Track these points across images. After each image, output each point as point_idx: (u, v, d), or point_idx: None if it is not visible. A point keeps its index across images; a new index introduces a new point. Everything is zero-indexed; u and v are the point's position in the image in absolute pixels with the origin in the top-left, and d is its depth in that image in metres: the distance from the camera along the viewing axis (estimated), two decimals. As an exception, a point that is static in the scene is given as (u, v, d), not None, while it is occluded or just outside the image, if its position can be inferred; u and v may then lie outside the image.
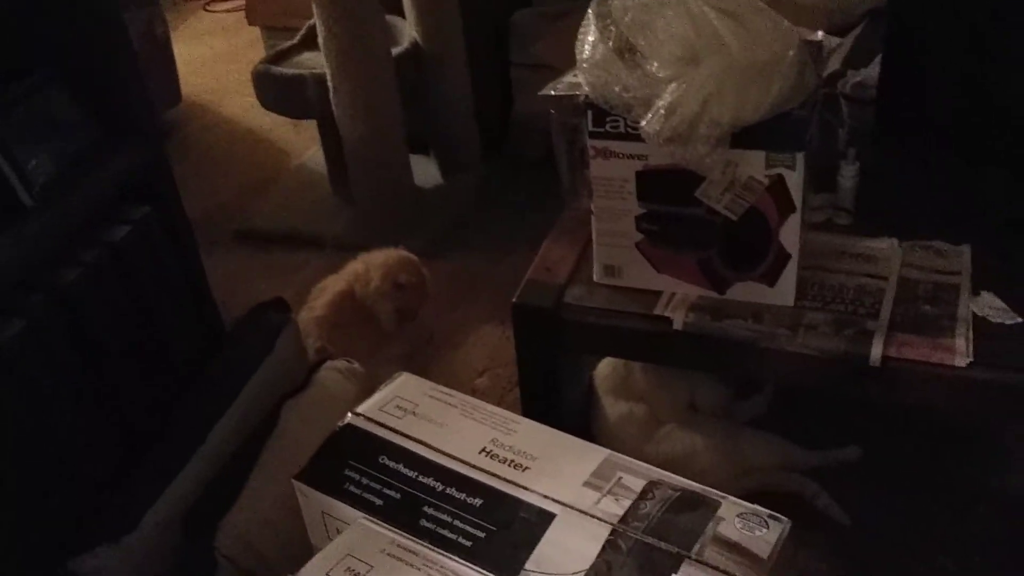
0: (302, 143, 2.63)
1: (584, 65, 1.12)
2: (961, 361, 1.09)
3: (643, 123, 1.07)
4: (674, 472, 1.37)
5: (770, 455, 1.43)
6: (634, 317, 1.22)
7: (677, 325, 1.20)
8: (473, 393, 1.71)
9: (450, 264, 2.05)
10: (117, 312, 1.05)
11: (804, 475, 1.41)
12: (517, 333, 1.30)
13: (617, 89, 1.10)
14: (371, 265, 1.73)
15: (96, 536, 0.89)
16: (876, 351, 1.11)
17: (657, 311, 1.22)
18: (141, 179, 1.10)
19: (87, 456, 0.99)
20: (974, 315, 1.15)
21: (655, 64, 1.08)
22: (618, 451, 1.43)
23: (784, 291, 1.19)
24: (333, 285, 1.74)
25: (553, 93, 1.27)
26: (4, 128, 0.93)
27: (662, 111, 1.06)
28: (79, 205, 0.99)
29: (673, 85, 1.06)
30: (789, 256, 1.17)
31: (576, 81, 1.20)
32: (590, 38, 1.13)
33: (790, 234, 1.15)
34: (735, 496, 1.33)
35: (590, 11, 1.14)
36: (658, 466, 1.39)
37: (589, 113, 1.15)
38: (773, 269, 1.18)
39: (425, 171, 2.36)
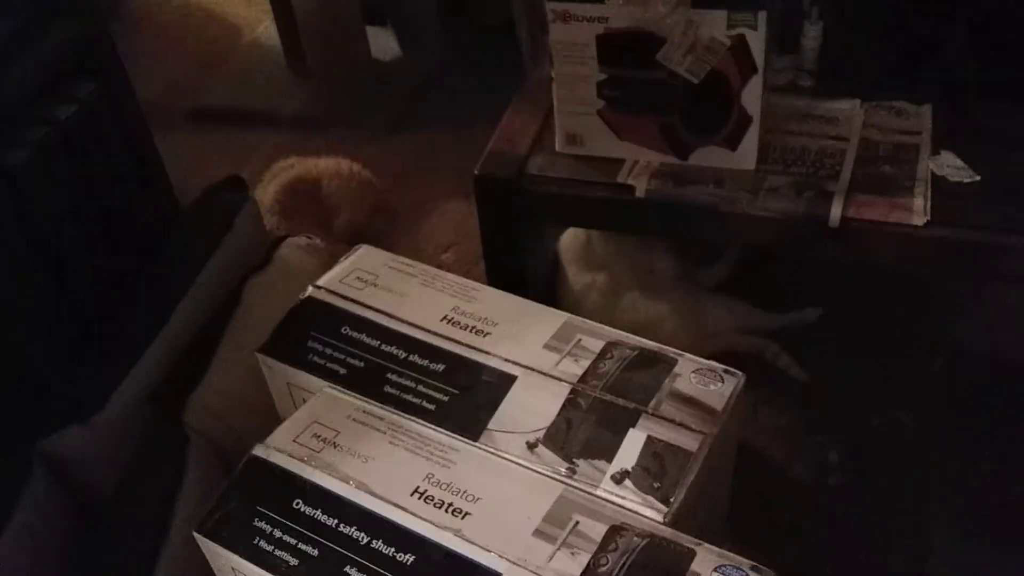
0: (254, 16, 2.53)
1: (541, -77, 1.08)
2: (919, 220, 1.10)
3: (602, -17, 1.04)
4: (641, 338, 1.42)
5: (732, 319, 1.46)
6: (596, 186, 1.22)
7: (640, 193, 1.20)
8: (439, 268, 1.72)
9: (412, 138, 2.02)
10: (66, 193, 1.02)
11: (765, 337, 1.44)
12: (480, 206, 1.29)
13: (575, -52, 1.07)
14: (355, 169, 1.67)
15: (63, 417, 0.90)
16: (835, 212, 1.12)
17: (620, 179, 1.21)
18: (83, 55, 1.06)
19: (40, 339, 0.99)
20: (933, 174, 1.16)
21: (614, -80, 1.04)
22: (585, 319, 1.47)
23: (746, 155, 1.19)
24: (296, 168, 1.70)
25: (510, -46, 1.23)
26: (-69, 5, 0.89)
27: (621, -31, 1.03)
28: (19, 84, 0.95)
29: (632, -58, 1.03)
30: (751, 119, 1.16)
31: (533, -59, 1.16)
32: None
33: (752, 97, 1.14)
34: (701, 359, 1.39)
35: None
36: (624, 333, 1.44)
37: (548, -26, 1.11)
38: (735, 133, 1.18)
39: (383, 43, 2.29)
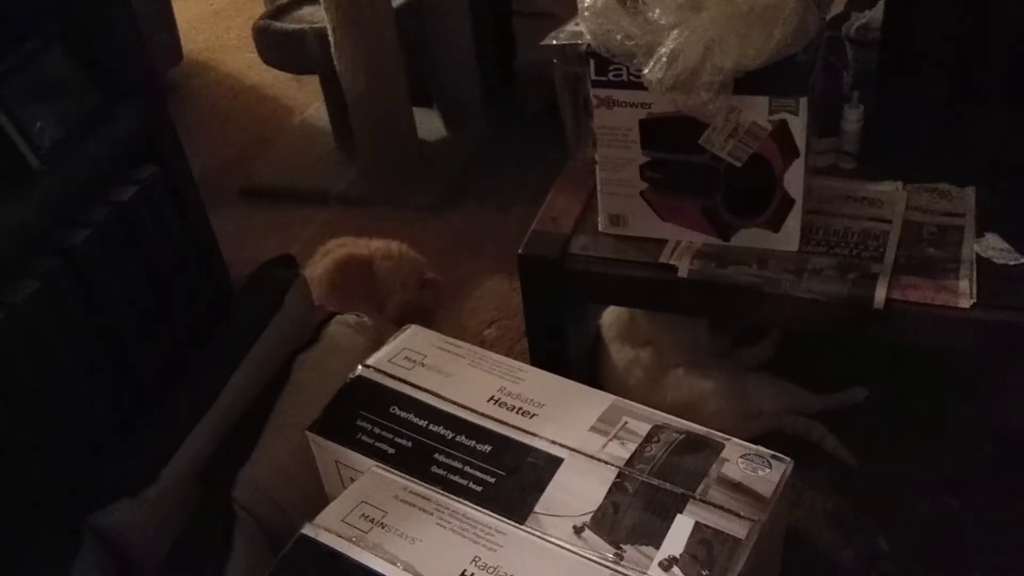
0: (305, 98, 2.61)
1: (586, 13, 1.12)
2: (964, 302, 1.10)
3: (645, 71, 1.07)
4: (683, 418, 1.41)
5: (777, 399, 1.44)
6: (639, 266, 1.23)
7: (682, 273, 1.21)
8: (482, 344, 1.73)
9: (456, 217, 2.06)
10: (125, 272, 1.06)
11: (811, 417, 1.42)
12: (523, 284, 1.31)
13: (619, 37, 1.10)
14: (403, 250, 1.70)
15: (114, 491, 0.91)
16: (880, 294, 1.12)
17: (662, 259, 1.22)
18: (146, 139, 1.11)
19: (97, 414, 1.01)
20: (978, 256, 1.16)
21: (657, 11, 1.07)
22: (628, 396, 1.46)
23: (789, 236, 1.20)
24: (348, 247, 1.72)
25: (555, 43, 1.27)
26: (8, 91, 0.94)
27: (664, 58, 1.06)
28: (85, 166, 0.99)
29: (675, 32, 1.05)
30: (793, 201, 1.17)
31: (578, 30, 1.20)
32: (591, -14, 1.12)
33: (794, 179, 1.16)
34: (744, 440, 1.37)
35: (592, -41, 1.13)
36: (666, 412, 1.43)
37: (591, 62, 1.14)
38: (777, 215, 1.19)
39: (429, 124, 2.35)
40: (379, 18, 1.99)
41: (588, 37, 1.13)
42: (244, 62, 2.84)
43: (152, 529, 0.91)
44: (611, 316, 1.54)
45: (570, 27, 1.25)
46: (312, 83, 2.47)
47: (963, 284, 1.12)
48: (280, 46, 2.15)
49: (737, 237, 1.22)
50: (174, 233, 1.13)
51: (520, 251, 1.28)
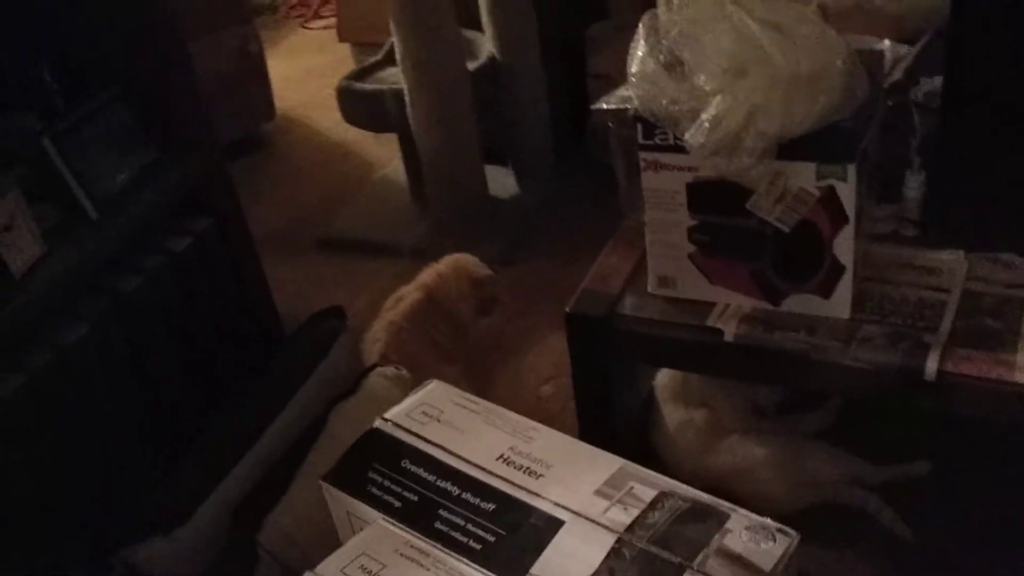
0: (385, 156, 2.70)
1: (633, 79, 1.13)
2: (1021, 376, 1.06)
3: (688, 136, 1.07)
4: (734, 483, 1.38)
5: (834, 469, 1.40)
6: (685, 328, 1.22)
7: (728, 337, 1.19)
8: (537, 400, 1.73)
9: (521, 271, 2.08)
10: (173, 318, 1.11)
11: (869, 490, 1.38)
12: (571, 342, 1.32)
13: (664, 102, 1.11)
14: (442, 272, 1.76)
15: (149, 528, 0.95)
16: (931, 365, 1.09)
17: (709, 322, 1.21)
18: (202, 193, 1.17)
19: (135, 453, 1.06)
20: (1039, 329, 1.11)
21: (702, 77, 1.08)
22: (677, 459, 1.45)
23: (839, 303, 1.18)
24: (409, 296, 1.78)
25: (605, 107, 1.29)
26: (70, 144, 1.01)
27: (706, 123, 1.06)
28: (141, 217, 1.05)
29: (718, 97, 1.06)
30: (843, 268, 1.15)
31: (627, 94, 1.21)
32: (639, 52, 1.14)
33: (844, 246, 1.14)
34: (795, 509, 1.33)
35: (641, 25, 1.15)
36: (718, 476, 1.40)
37: (639, 126, 1.16)
38: (828, 281, 1.17)
39: (502, 181, 2.40)
40: (454, 80, 2.05)
41: (636, 102, 1.14)
42: (332, 120, 2.95)
43: (181, 566, 0.94)
44: (666, 377, 1.52)
45: (621, 91, 1.27)
46: (392, 141, 2.55)
47: (1021, 357, 1.08)
48: (360, 105, 2.24)
49: (787, 302, 1.20)
50: (225, 283, 1.19)
51: (568, 309, 1.29)
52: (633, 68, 1.13)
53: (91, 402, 0.99)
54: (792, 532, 0.69)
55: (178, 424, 1.10)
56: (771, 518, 0.70)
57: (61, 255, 0.97)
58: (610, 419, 1.35)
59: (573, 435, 0.80)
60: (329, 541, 0.90)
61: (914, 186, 1.31)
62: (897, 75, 1.44)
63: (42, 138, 1.08)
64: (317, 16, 3.97)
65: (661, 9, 1.12)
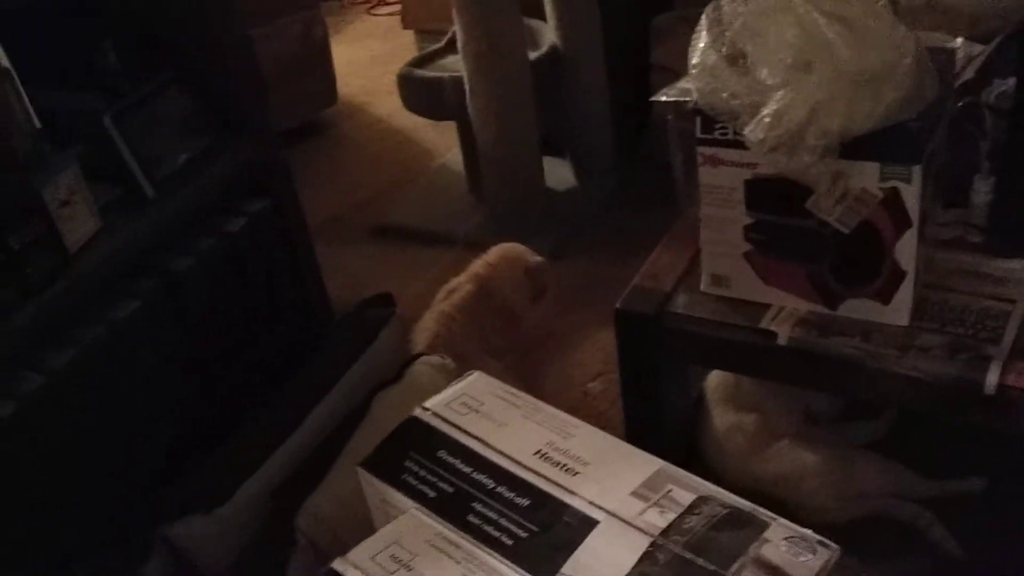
0: (444, 144, 2.70)
1: (694, 71, 1.11)
2: (1088, 395, 1.01)
3: (748, 130, 1.05)
4: (782, 491, 1.35)
5: (884, 481, 1.36)
6: (737, 329, 1.20)
7: (781, 340, 1.16)
8: (585, 396, 1.72)
9: (574, 265, 2.06)
10: (225, 299, 1.12)
11: (920, 504, 1.33)
12: (619, 339, 1.30)
13: (725, 96, 1.08)
14: (493, 263, 1.75)
15: (191, 506, 0.96)
16: (992, 378, 1.05)
17: (762, 324, 1.19)
18: (259, 175, 1.17)
19: (180, 431, 1.07)
20: (1110, 345, 1.06)
21: (764, 71, 1.05)
22: (725, 464, 1.42)
23: (899, 310, 1.14)
24: (462, 287, 1.77)
25: (665, 99, 1.26)
26: (130, 125, 1.02)
27: (767, 119, 1.03)
28: (196, 198, 1.06)
29: (780, 92, 1.03)
30: (904, 273, 1.12)
31: (688, 87, 1.19)
32: (701, 44, 1.11)
33: (906, 251, 1.10)
34: (843, 520, 1.30)
35: (704, 17, 1.12)
36: (765, 483, 1.37)
37: (698, 119, 1.13)
38: (887, 286, 1.13)
39: (561, 174, 2.38)
40: (514, 69, 2.04)
41: (695, 94, 1.12)
42: (393, 107, 2.96)
43: (220, 544, 0.95)
44: (716, 378, 1.50)
45: (681, 84, 1.25)
46: (452, 129, 2.55)
47: (1089, 375, 1.03)
48: (419, 92, 2.24)
49: (845, 307, 1.17)
50: (278, 266, 1.19)
51: (618, 305, 1.27)
52: (694, 60, 1.11)
53: (139, 379, 1.00)
54: (833, 545, 0.66)
55: (223, 405, 1.11)
56: (818, 528, 0.68)
57: (116, 232, 0.99)
58: (658, 419, 1.33)
59: (619, 434, 0.78)
60: (365, 527, 0.90)
61: (982, 191, 1.26)
62: (968, 75, 1.39)
63: (104, 117, 1.10)
64: (383, 3, 3.99)
65: (725, 0, 1.09)
